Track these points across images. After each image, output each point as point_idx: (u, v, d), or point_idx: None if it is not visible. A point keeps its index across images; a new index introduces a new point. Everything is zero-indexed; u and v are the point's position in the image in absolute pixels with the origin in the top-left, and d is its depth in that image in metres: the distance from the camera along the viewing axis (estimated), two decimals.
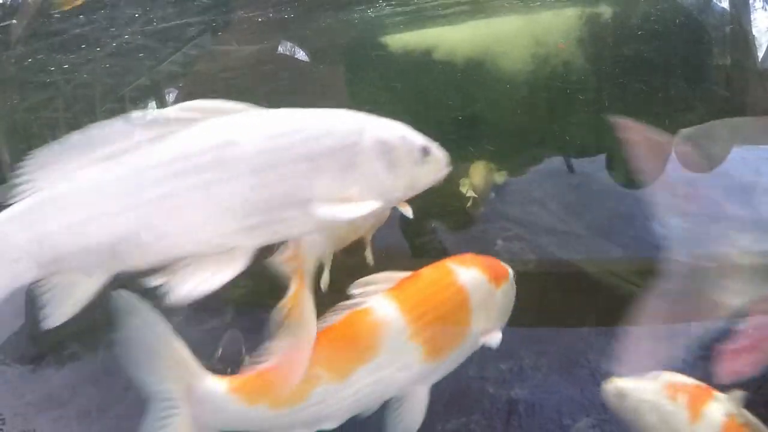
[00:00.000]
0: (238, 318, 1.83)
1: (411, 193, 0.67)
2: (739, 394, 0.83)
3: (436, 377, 0.76)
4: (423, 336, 0.70)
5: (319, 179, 0.59)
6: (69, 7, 2.16)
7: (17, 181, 0.56)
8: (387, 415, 0.72)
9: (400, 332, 0.69)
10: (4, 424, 1.57)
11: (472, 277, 0.77)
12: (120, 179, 0.55)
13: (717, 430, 0.79)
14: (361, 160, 0.61)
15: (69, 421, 1.54)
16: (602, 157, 2.21)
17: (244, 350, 1.63)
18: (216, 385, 0.67)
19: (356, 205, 0.59)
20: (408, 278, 0.74)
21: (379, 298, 0.71)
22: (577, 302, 1.63)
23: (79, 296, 0.58)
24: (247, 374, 0.69)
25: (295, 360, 0.63)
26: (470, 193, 1.93)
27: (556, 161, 2.47)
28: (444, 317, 0.72)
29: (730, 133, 1.39)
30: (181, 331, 1.84)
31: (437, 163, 0.68)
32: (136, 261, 0.57)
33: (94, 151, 0.55)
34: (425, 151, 0.67)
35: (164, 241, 0.56)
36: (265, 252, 2.01)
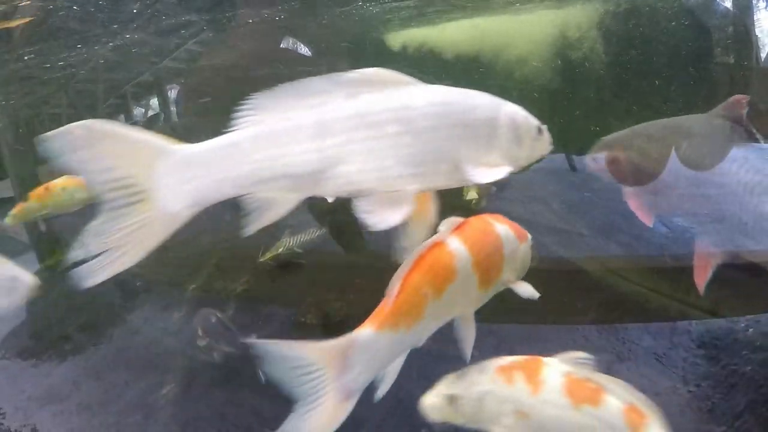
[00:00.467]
0: (237, 313, 1.84)
1: (528, 162, 0.83)
2: (572, 354, 0.85)
3: (478, 306, 0.89)
4: (478, 267, 0.84)
5: (469, 143, 0.74)
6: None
7: (239, 114, 0.68)
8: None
9: (467, 260, 0.82)
10: (5, 418, 1.58)
11: (505, 230, 0.90)
12: (321, 123, 0.69)
13: (561, 392, 0.80)
14: (499, 132, 0.77)
15: (69, 416, 1.55)
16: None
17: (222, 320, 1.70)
18: (363, 334, 0.75)
19: (497, 170, 0.75)
20: (461, 223, 0.87)
21: (447, 236, 0.84)
22: (578, 300, 1.63)
23: (276, 213, 0.70)
24: (380, 310, 0.77)
25: None
26: (471, 196, 1.93)
27: (559, 159, 2.46)
28: (488, 257, 0.86)
29: (646, 139, 1.40)
30: (185, 326, 1.85)
31: (546, 141, 0.85)
32: (323, 190, 0.71)
33: (303, 99, 0.69)
34: (539, 130, 0.83)
35: (349, 177, 0.70)
36: (262, 252, 2.00)
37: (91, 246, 0.62)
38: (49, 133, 0.60)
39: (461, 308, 0.86)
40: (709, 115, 1.32)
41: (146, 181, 0.64)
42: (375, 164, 0.70)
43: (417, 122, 0.72)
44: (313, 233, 1.99)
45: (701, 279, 1.31)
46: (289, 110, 0.69)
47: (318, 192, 0.71)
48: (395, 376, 0.79)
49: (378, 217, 0.70)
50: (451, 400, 0.86)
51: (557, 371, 0.83)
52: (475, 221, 0.89)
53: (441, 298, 0.80)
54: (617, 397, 0.78)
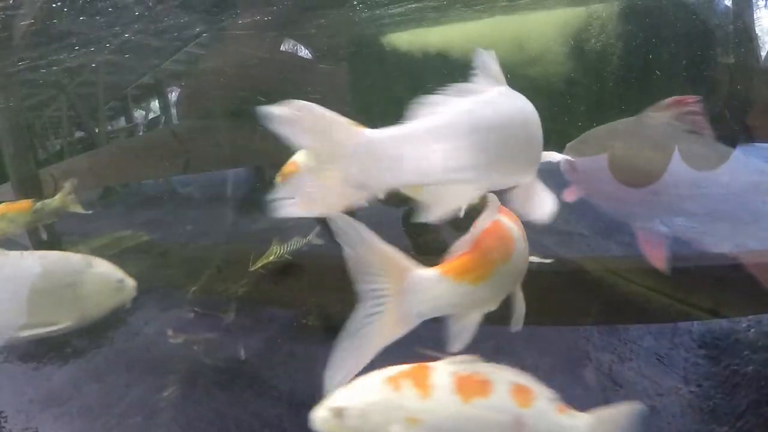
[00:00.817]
0: (239, 315, 1.84)
1: None
2: (458, 357, 0.86)
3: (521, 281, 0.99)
4: (525, 240, 0.95)
5: (535, 147, 0.84)
6: None
7: (413, 107, 0.72)
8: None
9: (519, 234, 0.93)
10: (6, 421, 1.58)
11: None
12: (479, 118, 0.73)
13: (452, 390, 0.82)
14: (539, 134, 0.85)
15: (71, 419, 1.55)
16: None
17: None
18: (428, 272, 0.80)
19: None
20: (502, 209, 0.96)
21: (497, 215, 0.92)
22: (579, 301, 1.62)
23: (450, 204, 0.74)
24: (452, 260, 0.83)
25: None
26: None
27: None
28: (524, 232, 0.96)
29: (585, 145, 1.48)
30: (189, 325, 1.85)
31: None
32: (481, 183, 0.75)
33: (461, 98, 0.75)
34: None
35: (501, 170, 0.76)
36: (252, 260, 2.00)
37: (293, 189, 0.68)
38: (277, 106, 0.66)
39: (521, 275, 0.96)
40: (639, 116, 1.37)
41: (339, 154, 0.69)
42: (514, 159, 0.78)
43: (533, 119, 0.82)
44: (299, 242, 2.00)
45: (658, 261, 1.40)
46: (453, 107, 0.74)
47: (477, 184, 0.75)
48: (470, 336, 0.83)
49: (539, 210, 0.83)
50: (338, 412, 0.84)
51: (445, 372, 0.84)
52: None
53: (509, 263, 0.89)
54: (503, 382, 0.83)
